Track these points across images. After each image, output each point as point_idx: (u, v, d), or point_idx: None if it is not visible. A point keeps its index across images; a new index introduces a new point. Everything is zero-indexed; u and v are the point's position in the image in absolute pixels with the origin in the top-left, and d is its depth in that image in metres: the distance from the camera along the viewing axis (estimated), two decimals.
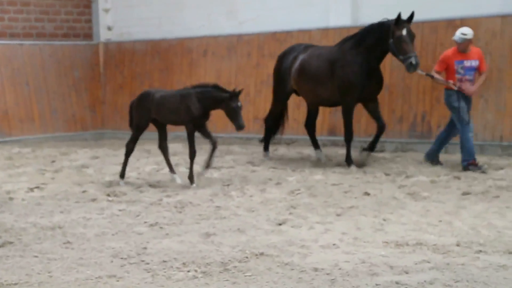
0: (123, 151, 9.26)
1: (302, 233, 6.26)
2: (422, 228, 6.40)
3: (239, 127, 8.53)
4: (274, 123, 11.12)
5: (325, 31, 12.85)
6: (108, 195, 8.23)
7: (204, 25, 14.90)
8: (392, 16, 9.74)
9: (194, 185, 8.77)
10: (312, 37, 12.89)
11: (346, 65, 10.05)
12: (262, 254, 5.54)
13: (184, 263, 5.32)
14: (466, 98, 9.50)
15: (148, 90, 9.48)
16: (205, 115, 8.80)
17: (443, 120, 10.65)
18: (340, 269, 5.06)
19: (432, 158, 9.94)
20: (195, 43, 14.53)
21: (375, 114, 10.20)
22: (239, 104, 8.52)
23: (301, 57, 10.57)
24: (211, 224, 6.66)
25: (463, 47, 9.38)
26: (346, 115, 10.16)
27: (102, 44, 15.70)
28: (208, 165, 8.86)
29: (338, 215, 7.04)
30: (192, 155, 8.75)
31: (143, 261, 5.43)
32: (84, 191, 8.53)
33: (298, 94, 10.88)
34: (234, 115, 8.54)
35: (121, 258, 5.54)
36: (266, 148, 11.26)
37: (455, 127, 9.65)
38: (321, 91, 10.37)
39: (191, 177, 8.84)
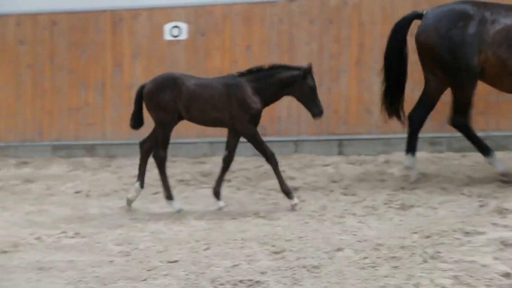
0: None
1: None
2: None
3: (320, 112, 6.69)
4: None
5: None
6: None
7: None
8: None
9: (295, 201, 6.79)
10: None
11: None
12: None
13: None
14: None
15: (171, 74, 7.13)
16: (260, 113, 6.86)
17: None
18: None
19: None
20: None
21: None
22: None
23: (506, 22, 7.25)
24: None
25: None
26: None
27: None
28: (217, 192, 7.03)
29: None
30: (273, 160, 6.85)
31: None
32: None
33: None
34: (312, 98, 6.66)
35: None
36: (487, 152, 7.53)
37: None
38: None
39: (287, 190, 6.83)
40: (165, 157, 6.97)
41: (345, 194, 7.43)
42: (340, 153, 9.45)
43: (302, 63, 9.40)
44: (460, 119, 7.45)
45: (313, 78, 6.71)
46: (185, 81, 6.83)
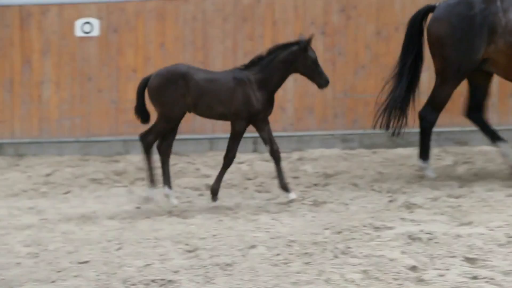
0: None
1: None
2: None
3: (327, 82, 6.54)
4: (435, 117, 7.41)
5: None
6: None
7: None
8: None
9: (216, 202, 6.73)
10: None
11: None
12: None
13: None
14: None
15: (179, 65, 6.91)
16: (270, 104, 6.70)
17: None
18: None
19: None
20: None
21: None
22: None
23: None
24: None
25: None
26: None
27: None
28: (284, 185, 6.79)
29: None
30: (230, 160, 6.75)
31: None
32: None
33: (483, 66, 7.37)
34: (316, 70, 6.50)
35: None
36: (425, 156, 7.50)
37: None
38: None
39: (215, 190, 6.75)
40: (152, 143, 6.74)
41: (259, 192, 7.48)
42: (255, 150, 9.50)
43: (217, 61, 9.49)
44: (432, 114, 7.41)
45: (312, 50, 6.57)
46: (194, 76, 6.60)
